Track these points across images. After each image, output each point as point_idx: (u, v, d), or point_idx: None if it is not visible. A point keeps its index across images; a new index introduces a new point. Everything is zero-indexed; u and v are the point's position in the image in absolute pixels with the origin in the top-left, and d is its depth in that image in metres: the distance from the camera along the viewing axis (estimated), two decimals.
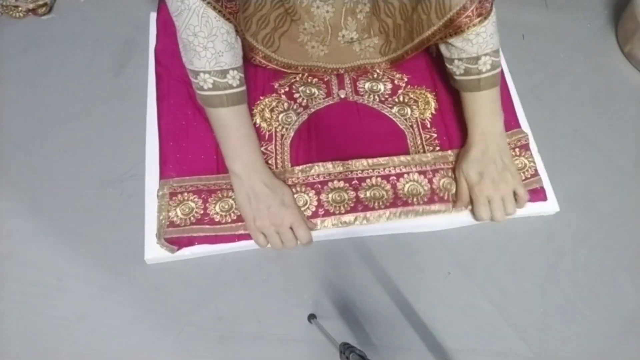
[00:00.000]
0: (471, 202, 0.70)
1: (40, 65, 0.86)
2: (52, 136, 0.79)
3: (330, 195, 0.71)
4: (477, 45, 0.66)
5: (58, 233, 0.71)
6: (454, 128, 0.77)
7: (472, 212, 0.71)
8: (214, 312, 0.67)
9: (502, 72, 0.84)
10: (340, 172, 0.73)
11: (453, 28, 0.65)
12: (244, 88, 0.66)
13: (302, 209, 0.70)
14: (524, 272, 0.70)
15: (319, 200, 0.71)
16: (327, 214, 0.70)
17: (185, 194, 0.71)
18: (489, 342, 0.66)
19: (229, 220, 0.69)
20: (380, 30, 0.76)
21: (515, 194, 0.69)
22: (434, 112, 0.79)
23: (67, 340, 0.65)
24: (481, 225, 0.73)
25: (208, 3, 0.58)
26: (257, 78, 0.80)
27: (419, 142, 0.76)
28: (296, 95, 0.80)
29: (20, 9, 0.89)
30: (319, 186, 0.72)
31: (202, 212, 0.70)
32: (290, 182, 0.72)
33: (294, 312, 0.66)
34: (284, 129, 0.77)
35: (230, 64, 0.62)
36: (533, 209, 0.73)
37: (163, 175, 0.73)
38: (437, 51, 0.76)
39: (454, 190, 0.72)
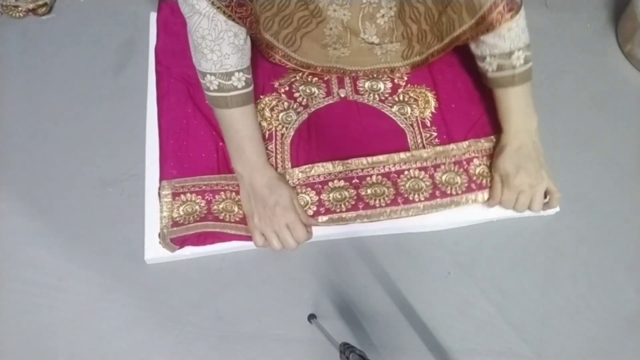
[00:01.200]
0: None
1: (40, 65, 0.85)
2: (52, 136, 0.79)
3: (331, 195, 0.71)
4: (509, 40, 0.67)
5: (58, 233, 0.71)
6: (454, 126, 0.77)
7: (489, 200, 0.71)
8: (214, 312, 0.67)
9: None
10: (340, 172, 0.73)
11: (485, 25, 0.66)
12: (249, 89, 0.66)
13: (304, 209, 0.70)
14: (524, 272, 0.70)
15: (319, 200, 0.71)
16: (329, 212, 0.70)
17: (189, 194, 0.71)
18: (489, 342, 0.66)
19: (232, 220, 0.70)
20: (403, 35, 0.76)
21: (547, 191, 0.69)
22: (434, 110, 0.79)
23: (67, 340, 0.65)
24: (481, 226, 0.73)
25: (218, 8, 0.59)
26: (257, 77, 0.80)
27: (419, 140, 0.76)
28: (296, 95, 0.80)
29: (20, 8, 0.89)
30: (320, 186, 0.72)
31: (205, 212, 0.70)
32: (290, 184, 0.72)
33: (294, 312, 0.66)
34: (284, 128, 0.77)
35: (235, 66, 0.63)
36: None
37: (164, 174, 0.73)
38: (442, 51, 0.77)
39: (458, 184, 0.72)
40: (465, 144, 0.75)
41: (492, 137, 0.76)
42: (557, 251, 0.72)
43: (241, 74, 0.64)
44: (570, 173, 0.77)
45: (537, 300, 0.68)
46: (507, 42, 0.67)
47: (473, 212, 0.72)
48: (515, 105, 0.70)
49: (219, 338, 0.65)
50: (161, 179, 0.72)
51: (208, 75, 0.63)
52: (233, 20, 0.61)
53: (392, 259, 0.70)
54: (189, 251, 0.69)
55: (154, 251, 0.69)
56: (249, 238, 0.69)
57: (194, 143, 0.75)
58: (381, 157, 0.74)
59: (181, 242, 0.68)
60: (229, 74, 0.63)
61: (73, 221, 0.72)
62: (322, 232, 0.70)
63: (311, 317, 0.65)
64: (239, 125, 0.66)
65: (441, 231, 0.72)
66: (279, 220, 0.65)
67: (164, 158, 0.74)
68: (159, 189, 0.71)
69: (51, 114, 0.81)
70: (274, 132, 0.76)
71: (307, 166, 0.73)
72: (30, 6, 0.89)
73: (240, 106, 0.65)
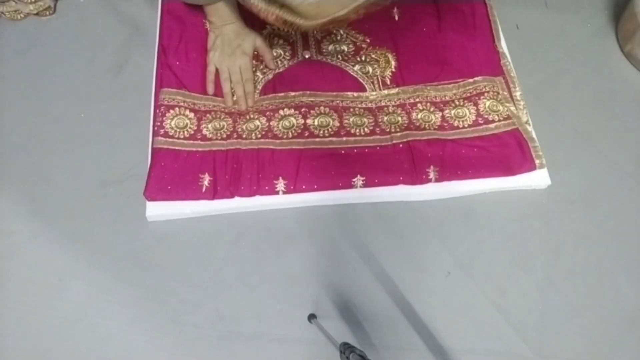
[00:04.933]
0: None
1: (40, 65, 0.85)
2: (52, 136, 0.79)
3: (280, 123, 0.76)
4: None
5: (58, 233, 0.71)
6: (412, 84, 0.81)
7: None
8: (214, 312, 0.67)
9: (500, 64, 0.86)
10: (292, 101, 0.78)
11: None
12: None
13: (253, 132, 0.75)
14: (524, 272, 0.70)
15: (269, 126, 0.75)
16: (276, 138, 0.75)
17: (182, 108, 0.75)
18: (489, 342, 0.66)
19: (219, 137, 0.74)
20: None
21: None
22: (394, 70, 0.83)
23: (67, 340, 0.65)
24: (481, 225, 0.73)
25: None
26: None
27: None
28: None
29: (20, 12, 0.89)
30: (270, 114, 0.76)
31: (195, 128, 0.74)
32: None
33: (294, 312, 0.66)
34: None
35: None
36: (523, 181, 0.74)
37: (162, 84, 0.78)
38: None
39: (398, 123, 0.76)
40: (411, 88, 0.80)
41: (439, 86, 0.81)
42: (557, 251, 0.72)
43: None
44: (570, 173, 0.77)
45: (536, 300, 0.68)
46: None
47: (463, 183, 0.73)
48: None
49: (219, 338, 0.65)
50: (159, 88, 0.78)
51: None
52: None
53: (393, 259, 0.70)
54: (189, 209, 0.71)
55: (156, 208, 0.70)
56: (229, 193, 0.71)
57: (194, 62, 0.79)
58: (331, 94, 0.79)
59: (155, 192, 0.70)
60: None
61: (73, 221, 0.72)
62: (308, 197, 0.72)
63: (311, 317, 0.65)
64: None
65: (441, 231, 0.72)
66: (235, 61, 0.77)
67: (165, 74, 0.79)
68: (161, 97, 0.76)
69: (51, 114, 0.81)
70: None
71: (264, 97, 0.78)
72: (34, 11, 0.88)
73: None
